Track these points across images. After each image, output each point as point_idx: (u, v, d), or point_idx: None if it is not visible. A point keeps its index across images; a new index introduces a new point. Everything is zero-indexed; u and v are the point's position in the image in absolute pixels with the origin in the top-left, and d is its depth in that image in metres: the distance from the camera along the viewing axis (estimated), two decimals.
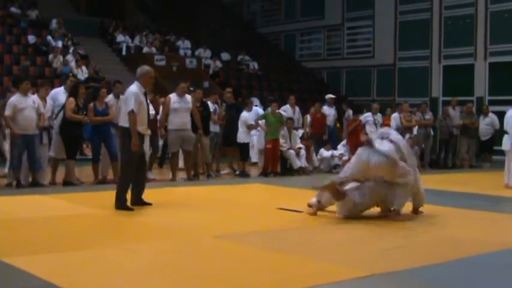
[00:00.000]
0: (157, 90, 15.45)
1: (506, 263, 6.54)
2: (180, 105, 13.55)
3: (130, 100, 9.47)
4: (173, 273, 5.77)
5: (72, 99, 12.45)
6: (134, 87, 9.64)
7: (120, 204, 9.49)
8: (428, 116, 19.21)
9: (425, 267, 6.10)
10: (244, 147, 15.95)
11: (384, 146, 8.79)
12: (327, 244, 7.31)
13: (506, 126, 13.87)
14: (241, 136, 15.79)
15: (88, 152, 15.58)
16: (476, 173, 17.97)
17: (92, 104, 12.88)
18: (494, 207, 10.71)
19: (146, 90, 9.86)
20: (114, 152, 12.93)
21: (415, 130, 18.65)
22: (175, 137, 13.63)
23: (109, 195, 11.23)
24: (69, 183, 12.53)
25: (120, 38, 28.14)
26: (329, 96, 20.32)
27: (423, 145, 18.75)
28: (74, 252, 6.56)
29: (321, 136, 18.30)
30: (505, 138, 13.82)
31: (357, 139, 17.68)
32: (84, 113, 12.70)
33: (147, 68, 9.98)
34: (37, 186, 12.05)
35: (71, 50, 24.00)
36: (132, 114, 9.42)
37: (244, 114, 15.90)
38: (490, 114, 20.12)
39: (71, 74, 18.08)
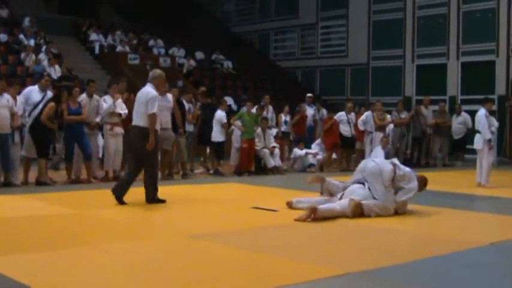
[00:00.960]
0: (130, 89, 15.38)
1: (478, 261, 6.61)
2: (161, 103, 13.53)
3: (153, 102, 9.95)
4: (147, 273, 5.74)
5: (53, 105, 12.34)
6: (152, 90, 10.12)
7: (154, 197, 10.22)
8: (404, 115, 19.29)
9: (400, 266, 6.14)
10: (219, 146, 15.93)
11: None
12: (302, 243, 7.32)
13: (477, 126, 14.00)
14: (216, 135, 15.78)
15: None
16: (449, 172, 18.11)
17: (64, 104, 12.78)
18: (467, 206, 10.82)
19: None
20: (87, 151, 12.86)
21: (388, 130, 18.72)
22: None
23: (82, 195, 11.20)
24: (42, 183, 12.42)
25: (93, 36, 27.94)
26: (308, 95, 20.35)
27: (398, 144, 18.84)
28: (47, 252, 6.51)
29: (303, 136, 18.37)
30: (477, 137, 13.95)
31: (333, 137, 17.74)
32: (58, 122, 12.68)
33: (159, 72, 10.56)
34: (9, 186, 11.94)
35: (43, 49, 23.78)
36: (154, 116, 9.93)
37: (219, 113, 15.88)
38: (463, 113, 20.31)
39: (45, 73, 17.82)
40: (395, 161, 9.95)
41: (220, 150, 16.00)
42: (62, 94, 12.74)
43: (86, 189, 11.90)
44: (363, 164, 9.83)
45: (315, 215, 8.70)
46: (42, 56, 23.04)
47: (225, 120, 15.84)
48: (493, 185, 13.71)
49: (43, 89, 12.91)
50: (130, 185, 10.10)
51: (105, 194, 11.49)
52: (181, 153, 14.69)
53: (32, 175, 12.70)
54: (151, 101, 9.93)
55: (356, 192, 9.27)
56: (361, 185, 9.43)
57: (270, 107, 18.70)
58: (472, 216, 9.94)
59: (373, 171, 9.34)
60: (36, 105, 12.48)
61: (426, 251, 6.93)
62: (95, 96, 13.60)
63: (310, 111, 19.50)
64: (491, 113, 14.29)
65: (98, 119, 13.45)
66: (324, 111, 20.12)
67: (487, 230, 8.78)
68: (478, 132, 13.90)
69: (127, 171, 10.83)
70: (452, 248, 7.06)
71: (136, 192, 11.35)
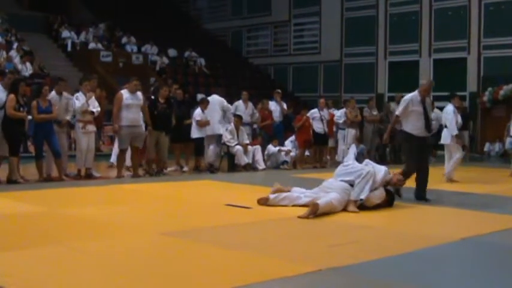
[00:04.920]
0: (103, 86, 15.33)
1: (450, 257, 6.67)
2: (132, 101, 13.55)
3: (400, 105, 11.23)
4: (120, 271, 5.71)
5: (12, 96, 12.18)
6: (409, 95, 11.22)
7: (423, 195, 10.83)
8: (376, 111, 19.35)
9: (372, 262, 6.16)
10: (199, 143, 15.94)
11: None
12: (275, 240, 7.32)
13: (444, 121, 14.12)
14: (193, 131, 15.79)
15: (32, 150, 15.31)
16: None
17: (35, 102, 12.62)
18: (438, 201, 10.87)
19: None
20: (56, 149, 12.71)
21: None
22: (126, 133, 13.57)
23: (54, 192, 11.10)
24: (13, 181, 12.30)
25: (65, 33, 27.78)
26: (276, 90, 20.27)
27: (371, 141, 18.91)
28: (19, 251, 6.43)
29: (270, 132, 18.31)
30: (445, 132, 14.09)
31: (305, 134, 17.76)
32: (26, 109, 12.43)
33: (430, 80, 11.92)
34: None
35: (14, 46, 23.59)
36: (396, 118, 11.31)
37: (197, 111, 15.91)
38: (435, 109, 20.37)
39: (7, 71, 17.49)
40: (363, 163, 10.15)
41: (200, 147, 16.01)
42: (18, 84, 12.52)
43: (58, 187, 11.81)
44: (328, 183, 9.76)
45: (315, 212, 8.70)
46: (13, 53, 22.84)
47: (198, 118, 15.83)
48: (458, 179, 13.86)
49: (6, 87, 12.70)
50: (426, 182, 10.90)
51: (77, 192, 11.47)
52: (163, 151, 14.63)
53: (3, 173, 12.58)
54: (401, 104, 11.24)
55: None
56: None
57: (250, 104, 18.44)
58: (442, 211, 10.01)
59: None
60: (3, 105, 12.29)
61: (398, 247, 6.96)
62: (65, 94, 13.46)
63: (276, 107, 19.27)
64: (458, 108, 14.44)
65: (68, 117, 13.33)
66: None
67: (457, 226, 8.84)
68: (446, 127, 14.05)
69: (420, 175, 11.04)
70: (424, 244, 7.11)
71: (105, 190, 11.31)
